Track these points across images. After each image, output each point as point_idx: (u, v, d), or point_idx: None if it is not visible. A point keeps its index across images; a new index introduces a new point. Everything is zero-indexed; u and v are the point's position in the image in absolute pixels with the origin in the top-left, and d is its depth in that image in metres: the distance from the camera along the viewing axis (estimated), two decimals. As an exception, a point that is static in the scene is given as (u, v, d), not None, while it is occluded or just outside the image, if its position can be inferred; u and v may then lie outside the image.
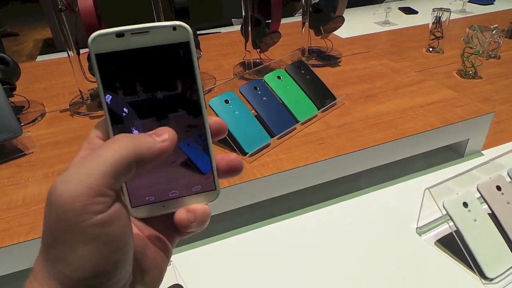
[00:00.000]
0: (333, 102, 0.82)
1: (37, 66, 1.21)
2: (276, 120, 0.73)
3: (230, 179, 0.62)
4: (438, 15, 1.28)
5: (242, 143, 0.67)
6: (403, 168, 0.79)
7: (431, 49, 1.31)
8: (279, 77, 0.80)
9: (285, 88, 0.79)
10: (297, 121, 0.76)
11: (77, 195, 0.21)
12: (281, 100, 0.77)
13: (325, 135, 0.74)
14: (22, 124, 0.82)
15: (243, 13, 0.96)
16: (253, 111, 0.74)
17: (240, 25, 1.01)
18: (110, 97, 0.25)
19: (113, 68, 0.25)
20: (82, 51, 0.85)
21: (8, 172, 0.69)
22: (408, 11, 1.74)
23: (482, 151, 0.85)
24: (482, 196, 0.63)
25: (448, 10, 1.26)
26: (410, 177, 0.78)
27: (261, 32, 0.97)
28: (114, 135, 0.25)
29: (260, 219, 0.68)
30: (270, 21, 0.96)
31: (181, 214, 0.26)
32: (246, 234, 0.66)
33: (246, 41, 0.99)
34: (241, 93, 0.74)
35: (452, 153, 0.84)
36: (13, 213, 0.59)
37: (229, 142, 0.68)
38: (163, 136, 0.24)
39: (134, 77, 0.25)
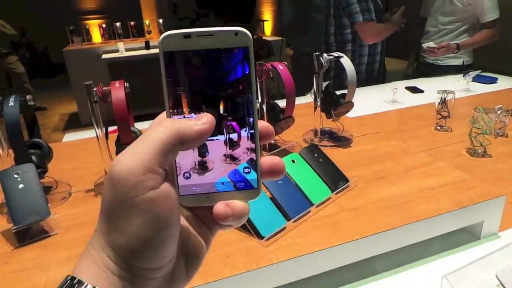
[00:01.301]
0: (346, 185, 0.85)
1: (65, 146, 1.29)
2: (292, 204, 0.76)
3: (247, 265, 0.63)
4: (443, 96, 1.34)
5: (259, 227, 0.70)
6: (419, 251, 0.78)
7: (439, 128, 1.35)
8: (293, 161, 0.84)
9: (299, 171, 0.83)
10: (311, 204, 0.78)
11: (132, 172, 0.25)
12: (296, 183, 0.80)
13: (339, 219, 0.75)
14: (49, 204, 0.87)
15: (259, 99, 1.04)
16: (268, 193, 0.77)
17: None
18: (172, 91, 0.28)
19: (178, 66, 0.27)
20: (110, 128, 0.92)
21: (33, 254, 0.72)
22: (414, 90, 1.83)
23: (499, 233, 0.84)
24: (501, 284, 0.62)
25: (452, 92, 1.33)
26: (426, 260, 0.77)
27: (276, 117, 1.04)
28: None
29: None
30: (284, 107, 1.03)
31: (219, 207, 0.29)
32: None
33: (262, 124, 1.06)
34: (257, 176, 0.78)
35: (468, 235, 0.84)
36: (36, 298, 0.60)
37: (246, 225, 0.70)
38: (202, 120, 0.28)
39: (195, 75, 0.28)
